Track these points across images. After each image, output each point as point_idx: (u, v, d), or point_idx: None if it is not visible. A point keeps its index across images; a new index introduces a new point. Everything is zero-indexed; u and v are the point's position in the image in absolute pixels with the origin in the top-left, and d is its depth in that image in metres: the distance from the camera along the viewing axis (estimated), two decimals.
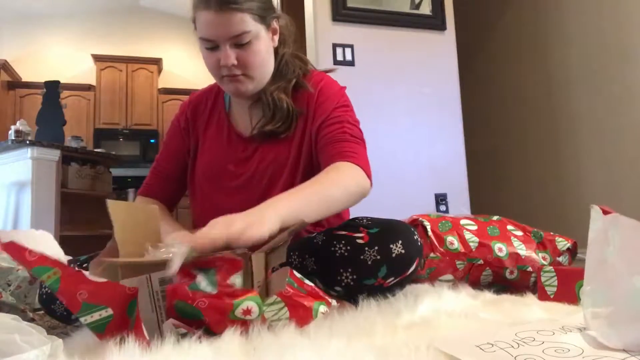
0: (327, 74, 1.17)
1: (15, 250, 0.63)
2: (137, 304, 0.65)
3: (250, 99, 1.12)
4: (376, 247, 0.88)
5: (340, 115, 1.06)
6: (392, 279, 0.91)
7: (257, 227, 0.73)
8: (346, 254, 0.89)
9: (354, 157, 0.99)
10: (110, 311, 0.65)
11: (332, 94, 1.10)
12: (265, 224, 0.74)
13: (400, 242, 0.89)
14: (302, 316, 0.73)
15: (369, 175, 1.00)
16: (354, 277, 0.89)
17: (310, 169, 1.08)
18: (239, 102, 1.16)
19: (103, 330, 0.65)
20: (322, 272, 0.91)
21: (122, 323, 0.65)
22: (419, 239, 0.93)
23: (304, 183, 0.93)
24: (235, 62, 1.01)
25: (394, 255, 0.88)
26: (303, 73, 1.13)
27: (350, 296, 0.92)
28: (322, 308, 0.76)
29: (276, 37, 1.10)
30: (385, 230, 0.91)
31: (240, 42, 0.99)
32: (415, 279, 1.17)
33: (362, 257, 0.88)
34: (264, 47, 1.04)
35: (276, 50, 1.11)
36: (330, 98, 1.09)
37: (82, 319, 0.64)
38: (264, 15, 1.03)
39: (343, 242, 0.90)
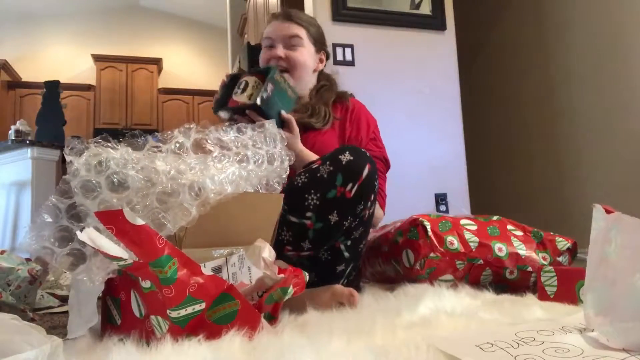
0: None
1: (145, 234, 0.62)
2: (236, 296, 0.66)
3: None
4: (327, 162, 1.01)
5: (375, 151, 1.28)
6: (351, 185, 0.99)
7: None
8: (306, 180, 1.02)
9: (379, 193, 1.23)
10: (203, 305, 0.65)
11: (366, 121, 1.32)
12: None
13: (347, 152, 1.01)
14: (250, 321, 0.69)
15: (381, 201, 1.27)
16: (318, 194, 0.99)
17: None
18: None
19: (184, 326, 0.65)
20: (292, 207, 1.00)
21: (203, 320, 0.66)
22: (367, 152, 1.04)
23: None
24: (283, 56, 1.28)
25: (344, 162, 0.99)
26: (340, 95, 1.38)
27: (323, 219, 0.99)
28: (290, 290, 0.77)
29: (321, 65, 1.38)
30: (334, 151, 1.04)
31: (290, 44, 1.29)
32: (415, 279, 1.17)
33: (318, 174, 1.00)
34: (308, 58, 1.32)
35: (319, 79, 1.38)
36: (365, 124, 1.31)
37: (175, 312, 0.63)
38: (317, 39, 1.35)
39: (302, 174, 1.03)
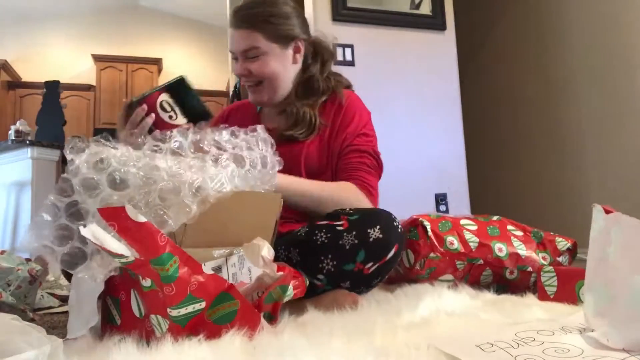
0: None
1: (147, 231, 0.61)
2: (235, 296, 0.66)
3: (276, 108, 1.24)
4: (354, 232, 0.92)
5: (362, 144, 1.17)
6: (372, 264, 0.93)
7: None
8: (326, 241, 0.93)
9: (365, 184, 1.12)
10: (203, 304, 0.65)
11: (357, 119, 1.19)
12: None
13: (378, 227, 0.92)
14: (250, 320, 0.69)
15: (372, 198, 1.13)
16: (334, 262, 0.92)
17: (317, 171, 1.16)
18: (267, 109, 1.29)
19: (184, 326, 0.64)
20: (305, 262, 0.95)
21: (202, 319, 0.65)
22: (399, 226, 0.96)
23: (316, 181, 1.08)
24: (245, 72, 1.17)
25: (371, 239, 0.91)
26: (336, 86, 1.25)
27: (334, 285, 0.95)
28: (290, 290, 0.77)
29: (298, 56, 1.22)
30: (365, 216, 0.95)
31: (250, 56, 1.16)
32: (415, 279, 1.17)
33: (340, 242, 0.92)
34: (274, 63, 1.17)
35: (305, 68, 1.24)
36: (354, 121, 1.19)
37: (175, 311, 0.63)
38: (278, 35, 1.16)
39: (324, 230, 0.94)
